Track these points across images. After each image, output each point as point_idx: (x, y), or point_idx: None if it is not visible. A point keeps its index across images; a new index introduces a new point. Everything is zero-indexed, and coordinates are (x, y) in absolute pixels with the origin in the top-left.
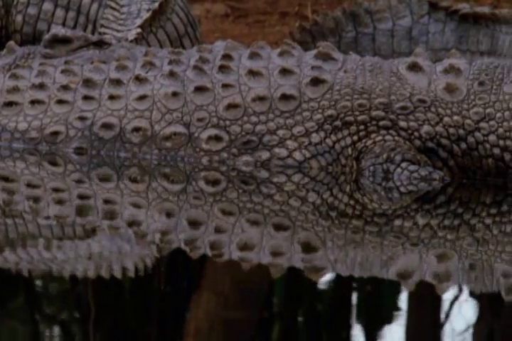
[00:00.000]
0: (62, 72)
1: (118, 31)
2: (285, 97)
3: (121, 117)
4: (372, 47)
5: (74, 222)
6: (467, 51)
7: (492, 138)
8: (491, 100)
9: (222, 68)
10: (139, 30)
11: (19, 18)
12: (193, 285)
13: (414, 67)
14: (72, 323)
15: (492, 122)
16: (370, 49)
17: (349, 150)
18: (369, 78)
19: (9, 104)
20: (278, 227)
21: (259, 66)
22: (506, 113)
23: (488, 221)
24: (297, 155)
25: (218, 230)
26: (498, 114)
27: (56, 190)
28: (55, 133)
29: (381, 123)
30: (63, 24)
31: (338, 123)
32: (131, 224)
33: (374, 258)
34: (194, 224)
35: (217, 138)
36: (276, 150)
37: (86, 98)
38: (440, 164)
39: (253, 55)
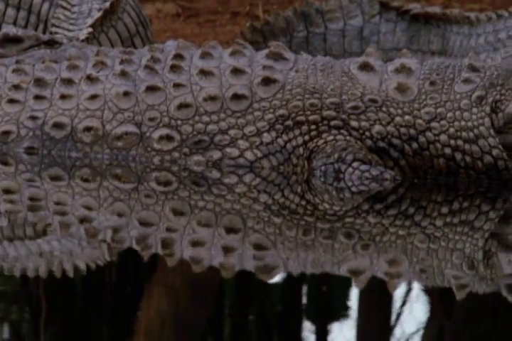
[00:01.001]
0: (14, 71)
1: (69, 31)
2: (236, 97)
3: (72, 117)
4: (324, 46)
5: (25, 221)
6: (418, 51)
7: (443, 137)
8: (442, 100)
9: (173, 68)
10: (90, 29)
11: None
12: (144, 283)
13: (365, 67)
14: (21, 322)
15: (443, 122)
16: (322, 49)
17: (300, 149)
18: (320, 78)
19: None
20: (229, 227)
21: (210, 66)
22: (457, 113)
23: (439, 220)
24: (249, 154)
25: (170, 229)
26: (449, 114)
27: (7, 190)
28: (6, 133)
29: (332, 122)
30: (14, 23)
31: (289, 122)
32: (83, 223)
33: (326, 258)
34: (145, 223)
35: (169, 138)
36: (228, 149)
37: (37, 97)
38: (391, 164)
39: (204, 55)
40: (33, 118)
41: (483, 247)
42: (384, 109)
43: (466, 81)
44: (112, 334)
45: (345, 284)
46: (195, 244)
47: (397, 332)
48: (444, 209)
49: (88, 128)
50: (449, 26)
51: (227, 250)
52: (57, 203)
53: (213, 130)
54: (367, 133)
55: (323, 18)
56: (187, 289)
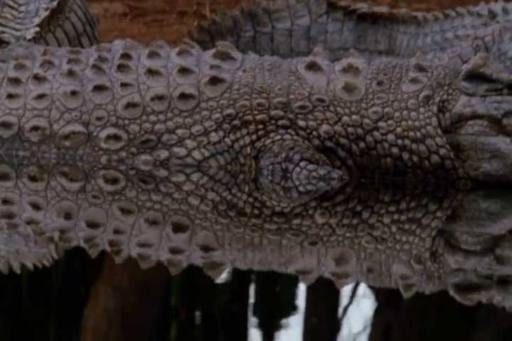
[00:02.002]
0: None
1: (16, 30)
2: (184, 96)
3: (19, 116)
4: (271, 46)
5: None
6: (365, 50)
7: (390, 137)
8: (390, 99)
9: (121, 67)
10: (37, 29)
11: None
12: (91, 282)
13: (312, 67)
14: None
15: (390, 121)
16: (269, 48)
17: (248, 149)
18: (268, 77)
19: None
20: (177, 226)
21: (158, 65)
22: (404, 112)
23: (386, 219)
24: (196, 154)
25: (117, 228)
26: (397, 114)
27: None
28: None
29: (280, 122)
30: None
31: (236, 122)
32: (30, 222)
33: (273, 256)
34: (93, 222)
35: (116, 137)
36: (175, 149)
37: None
38: (339, 163)
39: (152, 54)
40: None
41: (431, 246)
42: (331, 108)
43: (414, 81)
44: (60, 333)
45: (292, 282)
46: (143, 242)
47: (345, 329)
48: (392, 209)
49: (35, 128)
50: (396, 26)
51: (174, 248)
52: (4, 202)
53: (161, 129)
54: (314, 133)
55: (270, 17)
56: (134, 288)
